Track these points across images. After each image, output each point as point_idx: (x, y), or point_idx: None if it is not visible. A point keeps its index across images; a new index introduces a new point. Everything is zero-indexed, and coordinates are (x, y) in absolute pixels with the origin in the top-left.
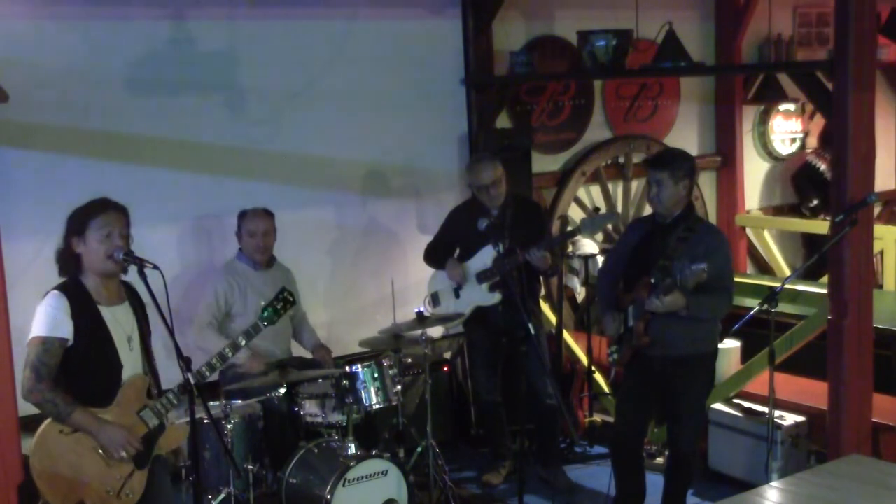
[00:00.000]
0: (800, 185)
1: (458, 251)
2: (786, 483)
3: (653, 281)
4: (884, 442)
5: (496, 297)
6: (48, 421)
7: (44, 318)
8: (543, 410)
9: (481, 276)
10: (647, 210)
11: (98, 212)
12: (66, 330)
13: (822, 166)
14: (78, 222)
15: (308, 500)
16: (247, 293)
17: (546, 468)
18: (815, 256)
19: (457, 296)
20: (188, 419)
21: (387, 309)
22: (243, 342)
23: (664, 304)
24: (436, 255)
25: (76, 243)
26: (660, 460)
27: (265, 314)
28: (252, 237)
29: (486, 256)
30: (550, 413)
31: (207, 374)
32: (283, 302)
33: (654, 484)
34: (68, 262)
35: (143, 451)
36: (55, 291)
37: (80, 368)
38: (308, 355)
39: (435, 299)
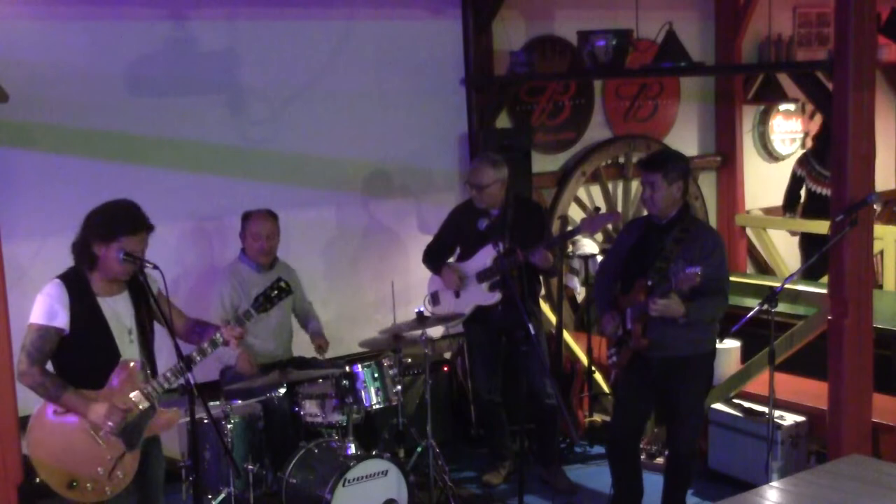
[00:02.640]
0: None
1: (458, 251)
2: (786, 483)
3: (650, 283)
4: (884, 442)
5: (496, 297)
6: (44, 402)
7: (42, 306)
8: (543, 410)
9: (481, 276)
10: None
11: (131, 231)
12: (63, 320)
13: (800, 172)
14: (108, 230)
15: (308, 500)
16: (250, 296)
17: (546, 468)
18: (815, 256)
19: (457, 295)
20: (188, 419)
21: (387, 309)
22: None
23: (660, 307)
24: (434, 258)
25: (98, 246)
26: (660, 460)
27: (258, 302)
28: (257, 240)
29: (486, 256)
30: (550, 413)
31: (198, 358)
32: (278, 290)
33: (655, 484)
34: (84, 257)
35: (133, 432)
36: (56, 280)
37: (76, 357)
38: (308, 355)
39: (435, 298)
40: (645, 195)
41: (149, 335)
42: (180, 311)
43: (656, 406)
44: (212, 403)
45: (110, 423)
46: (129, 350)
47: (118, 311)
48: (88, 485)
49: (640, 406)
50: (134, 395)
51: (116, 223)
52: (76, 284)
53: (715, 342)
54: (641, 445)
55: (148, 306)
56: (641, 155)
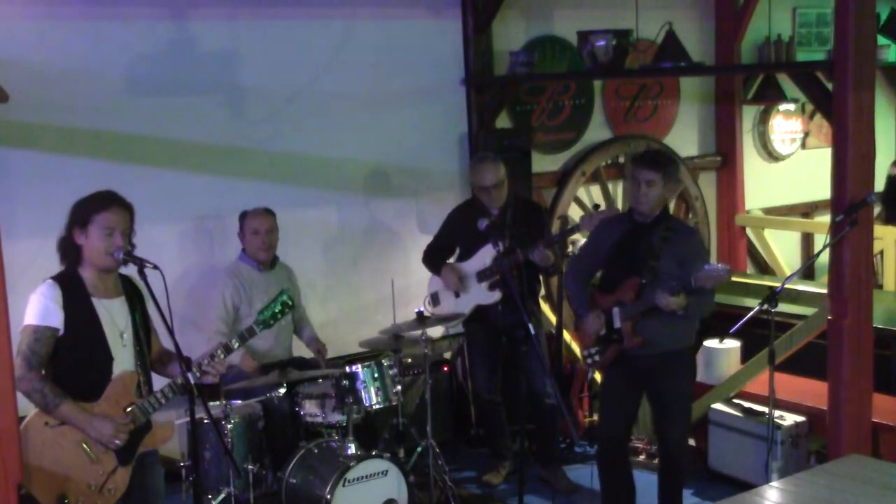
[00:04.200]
0: (889, 198)
1: (458, 251)
2: (786, 483)
3: (643, 281)
4: (884, 442)
5: (496, 297)
6: (34, 413)
7: (36, 306)
8: (543, 410)
9: (481, 275)
10: None
11: (103, 207)
12: (57, 320)
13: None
14: (82, 214)
15: (308, 500)
16: (252, 295)
17: (546, 468)
18: (815, 256)
19: (457, 295)
20: (188, 419)
21: (387, 309)
22: (236, 345)
23: (672, 303)
24: (434, 259)
25: (78, 234)
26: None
27: (261, 318)
28: (256, 235)
29: (485, 256)
30: (550, 413)
31: (198, 375)
32: (282, 306)
33: (654, 484)
34: (69, 251)
35: (127, 447)
36: (50, 280)
37: (70, 360)
38: (309, 354)
39: (435, 299)
40: (640, 192)
41: (143, 344)
42: (157, 338)
43: (639, 404)
44: (212, 403)
45: (117, 441)
46: (122, 354)
47: (113, 312)
48: (79, 500)
49: (626, 407)
50: (130, 409)
51: (89, 205)
52: (70, 283)
53: (694, 336)
54: (641, 445)
55: (144, 314)
56: None
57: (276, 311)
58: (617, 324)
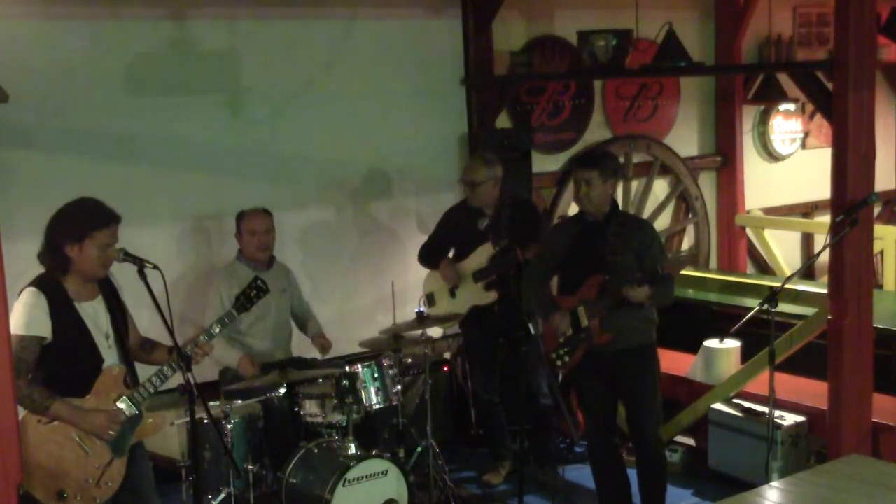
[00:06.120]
0: None
1: (453, 252)
2: (786, 483)
3: (606, 278)
4: (884, 442)
5: (492, 296)
6: (26, 412)
7: (22, 315)
8: (539, 410)
9: (478, 275)
10: (648, 209)
11: (101, 225)
12: (44, 328)
13: None
14: (77, 230)
15: (308, 500)
16: None
17: (541, 468)
18: (815, 256)
19: (453, 295)
20: (188, 419)
21: (387, 309)
22: (217, 330)
23: (640, 294)
24: (430, 256)
25: (70, 248)
26: None
27: (238, 303)
28: (253, 235)
29: (482, 256)
30: (546, 413)
31: (153, 386)
32: (256, 290)
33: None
34: (56, 263)
35: (121, 439)
36: (32, 289)
37: (60, 363)
38: (307, 355)
39: (430, 299)
40: (581, 192)
41: (124, 341)
42: (135, 327)
43: (623, 401)
44: (212, 403)
45: (111, 432)
46: (109, 355)
47: (95, 315)
48: (78, 495)
49: (606, 405)
50: (121, 401)
51: (85, 220)
52: (52, 290)
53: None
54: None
55: (122, 311)
56: (642, 155)
57: (252, 295)
58: (584, 322)
